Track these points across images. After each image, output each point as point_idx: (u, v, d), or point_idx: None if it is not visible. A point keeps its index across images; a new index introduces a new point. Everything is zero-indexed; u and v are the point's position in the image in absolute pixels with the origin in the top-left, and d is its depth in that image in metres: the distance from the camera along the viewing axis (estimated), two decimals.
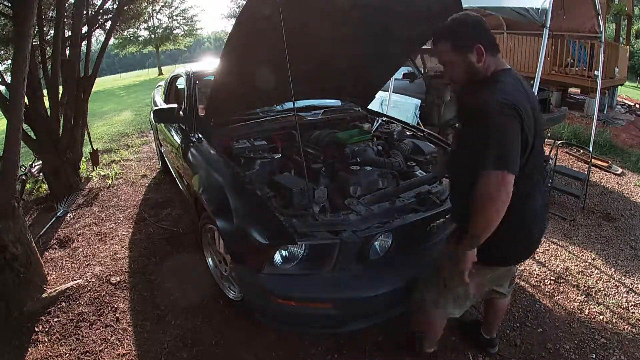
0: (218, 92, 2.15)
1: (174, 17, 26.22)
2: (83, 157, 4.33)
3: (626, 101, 8.81)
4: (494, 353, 1.83)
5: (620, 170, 4.52)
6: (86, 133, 4.39)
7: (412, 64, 4.83)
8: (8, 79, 3.03)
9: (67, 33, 4.04)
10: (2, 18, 3.85)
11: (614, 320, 2.12)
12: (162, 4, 24.44)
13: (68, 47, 3.79)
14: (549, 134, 5.50)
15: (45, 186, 3.93)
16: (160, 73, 24.83)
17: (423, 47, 4.73)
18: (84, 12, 3.97)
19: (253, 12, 1.67)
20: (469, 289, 1.41)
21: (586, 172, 3.65)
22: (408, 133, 2.66)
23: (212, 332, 2.00)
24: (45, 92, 3.57)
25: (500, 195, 1.13)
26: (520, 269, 2.53)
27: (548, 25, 3.03)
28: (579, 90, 7.74)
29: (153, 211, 3.40)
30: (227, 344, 1.93)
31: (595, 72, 5.07)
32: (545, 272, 2.52)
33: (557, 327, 2.04)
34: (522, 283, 2.40)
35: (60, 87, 3.69)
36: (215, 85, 2.11)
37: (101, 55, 4.30)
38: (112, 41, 7.19)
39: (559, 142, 4.11)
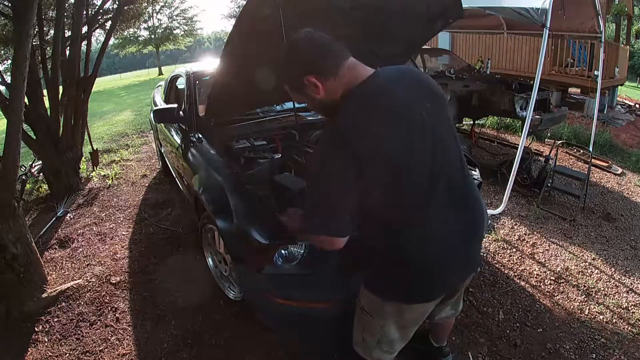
0: (218, 92, 2.15)
1: (174, 17, 26.27)
2: (83, 157, 4.33)
3: (626, 101, 8.81)
4: None
5: (620, 170, 4.52)
6: (86, 133, 4.39)
7: (412, 64, 4.83)
8: (8, 79, 3.03)
9: (67, 33, 4.04)
10: (2, 18, 3.85)
11: (614, 320, 2.12)
12: (162, 4, 24.50)
13: (68, 47, 3.80)
14: (549, 134, 5.51)
15: (45, 186, 3.93)
16: (160, 73, 24.86)
17: (423, 47, 4.75)
18: (84, 12, 3.97)
19: (253, 12, 1.66)
20: (385, 335, 1.22)
21: (586, 172, 3.66)
22: None
23: (212, 332, 2.00)
24: (45, 92, 3.58)
25: None
26: (520, 269, 2.53)
27: (548, 25, 3.03)
28: (579, 90, 7.74)
29: (153, 211, 3.40)
30: (227, 344, 1.93)
31: (595, 72, 5.07)
32: (545, 272, 2.52)
33: (557, 327, 2.04)
34: (522, 283, 2.41)
35: (60, 87, 3.70)
36: (215, 85, 2.11)
37: (101, 55, 4.30)
38: (112, 41, 7.19)
39: (559, 142, 4.11)
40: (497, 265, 2.58)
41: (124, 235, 3.04)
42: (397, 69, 1.07)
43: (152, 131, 4.83)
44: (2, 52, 4.98)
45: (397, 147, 0.95)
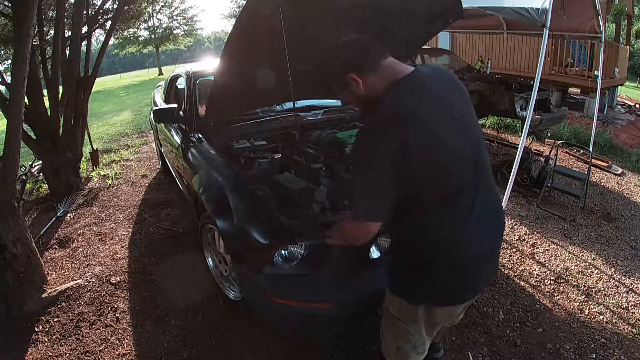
0: (218, 92, 2.15)
1: (174, 17, 26.27)
2: (83, 157, 4.33)
3: (626, 101, 8.80)
4: (439, 357, 1.70)
5: (620, 170, 4.52)
6: (86, 133, 4.39)
7: (412, 64, 4.83)
8: (8, 79, 3.03)
9: (67, 33, 4.04)
10: (2, 18, 3.85)
11: (614, 320, 2.12)
12: (162, 4, 24.50)
13: (68, 47, 3.80)
14: (549, 134, 5.51)
15: (45, 186, 3.93)
16: (160, 73, 24.86)
17: (423, 47, 4.74)
18: (84, 12, 3.97)
19: (253, 12, 1.66)
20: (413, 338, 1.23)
21: (586, 172, 3.65)
22: None
23: (212, 332, 2.00)
24: (45, 92, 3.58)
25: None
26: (520, 269, 2.53)
27: (548, 25, 3.03)
28: (579, 90, 7.74)
29: (153, 211, 3.40)
30: (227, 344, 1.93)
31: (595, 72, 5.07)
32: (545, 272, 2.52)
33: (557, 327, 2.04)
34: (522, 283, 2.40)
35: (60, 87, 3.70)
36: (215, 85, 2.11)
37: (101, 55, 4.30)
38: (112, 41, 7.19)
39: (559, 142, 4.11)
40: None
41: (124, 235, 3.04)
42: (433, 66, 1.11)
43: (152, 131, 4.83)
44: (2, 52, 4.98)
45: (442, 133, 0.97)
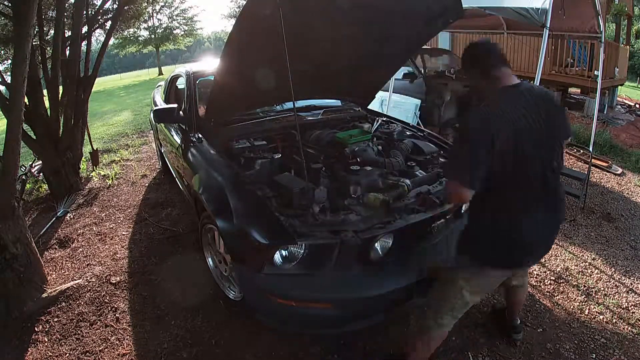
0: (218, 92, 2.15)
1: (174, 17, 26.26)
2: (83, 157, 4.33)
3: (626, 101, 8.81)
4: (519, 339, 1.91)
5: (620, 170, 4.52)
6: (86, 133, 4.40)
7: (412, 64, 4.83)
8: (8, 79, 3.03)
9: (67, 33, 4.04)
10: (2, 18, 3.85)
11: (614, 320, 2.12)
12: (162, 4, 24.51)
13: (68, 47, 3.80)
14: None
15: (45, 186, 3.93)
16: (160, 73, 24.86)
17: (423, 47, 4.75)
18: (84, 12, 3.97)
19: (253, 12, 1.67)
20: (465, 298, 1.47)
21: (586, 172, 3.65)
22: (408, 133, 2.66)
23: (212, 332, 2.00)
24: (45, 92, 3.58)
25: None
26: None
27: (548, 25, 3.03)
28: (579, 90, 7.74)
29: (153, 211, 3.40)
30: (227, 344, 1.93)
31: (595, 72, 5.07)
32: (545, 272, 2.52)
33: (557, 327, 2.04)
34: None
35: (60, 87, 3.70)
36: (215, 85, 2.11)
37: (101, 55, 4.31)
38: (112, 41, 7.19)
39: None
40: None
41: (124, 235, 3.04)
42: (534, 85, 1.49)
43: (152, 131, 4.83)
44: (2, 52, 4.98)
45: (522, 135, 1.25)
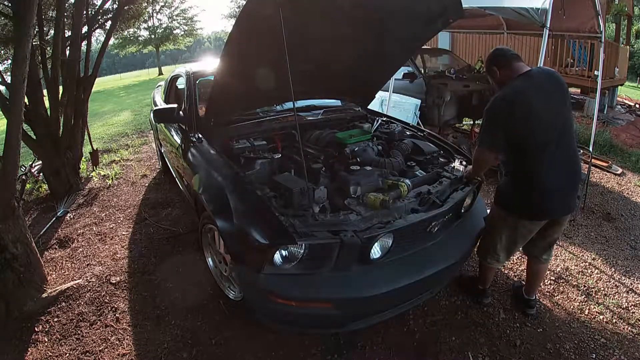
0: (218, 92, 2.15)
1: (174, 17, 26.27)
2: (83, 157, 4.33)
3: (626, 101, 8.80)
4: (531, 314, 2.09)
5: (620, 170, 4.51)
6: (86, 133, 4.40)
7: (412, 64, 4.83)
8: (8, 79, 3.03)
9: (67, 33, 4.04)
10: (2, 18, 3.85)
11: (614, 320, 2.11)
12: (162, 4, 24.53)
13: (68, 47, 3.80)
14: None
15: (45, 186, 3.93)
16: (160, 73, 24.86)
17: (423, 47, 4.75)
18: (84, 12, 3.97)
19: (253, 12, 1.66)
20: (506, 237, 1.90)
21: (586, 172, 3.65)
22: (408, 133, 2.66)
23: (212, 332, 2.00)
24: (45, 92, 3.58)
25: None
26: (520, 268, 2.53)
27: (548, 25, 3.03)
28: (579, 90, 7.74)
29: (153, 211, 3.40)
30: (227, 344, 1.93)
31: (595, 72, 5.07)
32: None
33: (557, 327, 2.04)
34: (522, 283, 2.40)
35: (60, 87, 3.70)
36: (215, 85, 2.11)
37: (101, 55, 4.31)
38: (112, 41, 7.19)
39: None
40: None
41: (124, 235, 3.04)
42: (542, 68, 1.93)
43: (152, 131, 4.83)
44: (2, 52, 4.98)
45: (538, 107, 1.64)
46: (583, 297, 2.30)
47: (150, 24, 24.33)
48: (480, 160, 1.86)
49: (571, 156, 1.78)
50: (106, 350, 1.94)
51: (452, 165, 2.20)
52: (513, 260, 2.64)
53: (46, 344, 1.99)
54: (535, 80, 1.69)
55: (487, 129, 1.76)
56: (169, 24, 26.16)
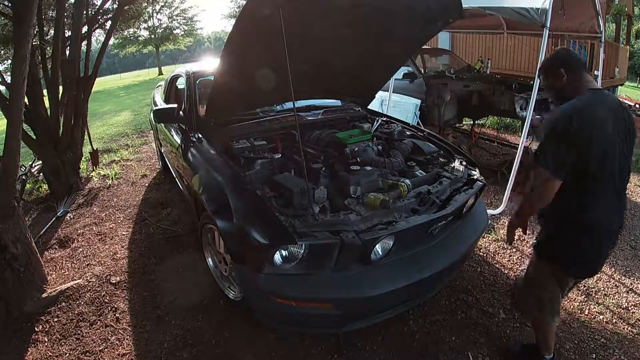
0: (218, 92, 2.15)
1: (174, 17, 26.25)
2: (83, 157, 4.33)
3: (626, 101, 8.80)
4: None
5: None
6: (86, 133, 4.39)
7: (412, 64, 4.83)
8: (8, 79, 3.03)
9: (67, 33, 4.04)
10: (2, 18, 3.85)
11: (614, 320, 2.11)
12: (162, 4, 24.51)
13: (68, 47, 3.80)
14: None
15: (45, 186, 3.93)
16: (160, 73, 24.85)
17: (423, 47, 4.75)
18: (84, 12, 3.97)
19: (253, 12, 1.67)
20: (548, 293, 1.66)
21: None
22: (408, 133, 2.66)
23: (212, 332, 2.00)
24: (45, 92, 3.58)
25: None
26: (520, 269, 2.53)
27: (548, 25, 3.03)
28: None
29: (153, 211, 3.40)
30: (227, 344, 1.93)
31: (595, 72, 5.07)
32: None
33: (557, 327, 2.04)
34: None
35: (60, 87, 3.70)
36: (215, 85, 2.11)
37: (101, 55, 4.31)
38: (112, 41, 7.19)
39: None
40: (497, 265, 2.58)
41: (124, 235, 3.04)
42: (609, 94, 1.56)
43: (152, 131, 4.83)
44: (2, 52, 4.98)
45: (606, 135, 1.37)
46: (583, 297, 2.30)
47: (150, 24, 24.32)
48: (543, 189, 1.43)
49: (625, 198, 1.55)
50: (106, 350, 1.94)
51: (452, 165, 2.20)
52: (512, 260, 2.64)
53: (46, 344, 1.99)
54: (612, 104, 1.44)
55: (551, 148, 1.39)
56: (169, 24, 26.16)
